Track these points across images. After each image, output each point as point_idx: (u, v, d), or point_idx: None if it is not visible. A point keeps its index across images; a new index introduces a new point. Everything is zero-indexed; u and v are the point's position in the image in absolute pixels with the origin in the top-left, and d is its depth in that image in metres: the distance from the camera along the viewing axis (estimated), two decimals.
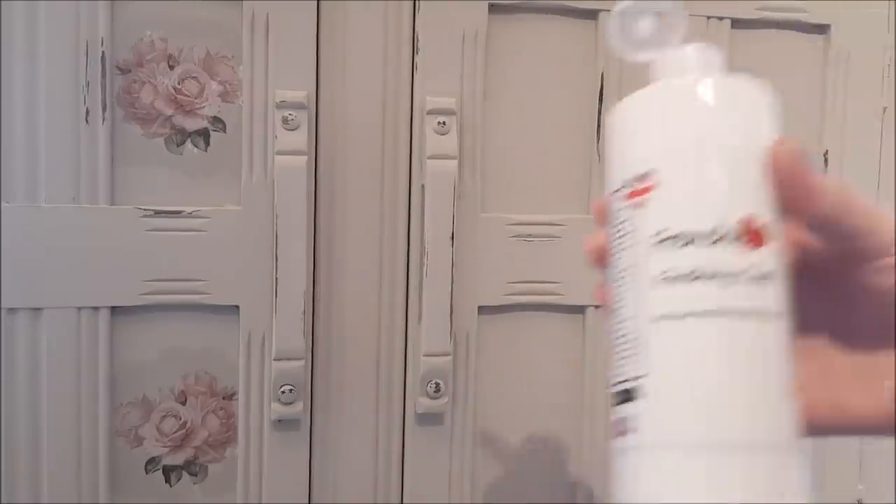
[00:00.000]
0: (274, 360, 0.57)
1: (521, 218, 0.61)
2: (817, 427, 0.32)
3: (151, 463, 0.58)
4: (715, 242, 0.28)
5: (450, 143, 0.58)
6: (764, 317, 0.28)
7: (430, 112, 0.58)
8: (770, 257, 0.28)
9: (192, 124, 0.57)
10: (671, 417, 0.27)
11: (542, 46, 0.61)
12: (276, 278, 0.56)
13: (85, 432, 0.56)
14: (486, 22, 0.59)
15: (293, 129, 0.56)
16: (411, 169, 0.59)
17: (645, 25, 0.32)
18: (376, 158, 0.59)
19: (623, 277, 0.30)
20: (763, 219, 0.28)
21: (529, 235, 0.61)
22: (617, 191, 0.31)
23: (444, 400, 0.60)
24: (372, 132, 0.59)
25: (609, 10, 0.61)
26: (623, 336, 0.29)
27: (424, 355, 0.59)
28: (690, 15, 0.63)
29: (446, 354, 0.59)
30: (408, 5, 0.58)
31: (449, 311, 0.59)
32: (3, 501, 0.55)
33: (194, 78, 0.56)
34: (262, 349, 0.58)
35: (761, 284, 0.28)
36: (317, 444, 0.59)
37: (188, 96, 0.56)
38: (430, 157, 0.58)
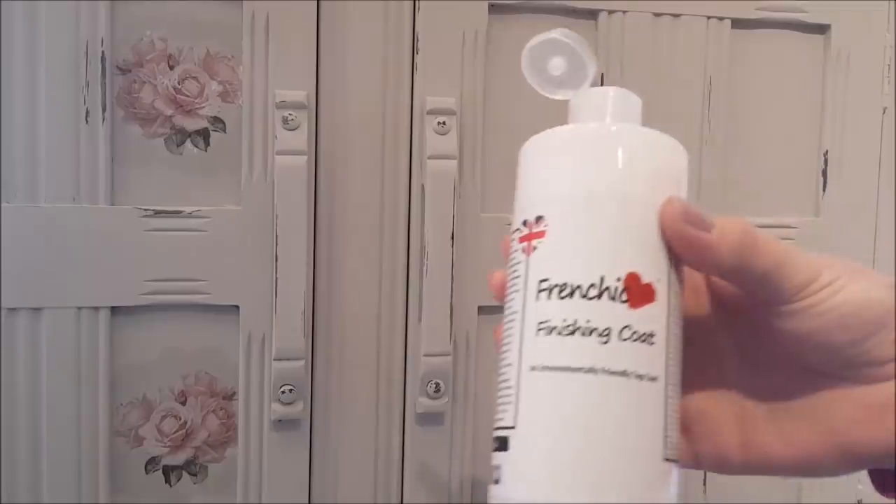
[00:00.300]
0: (274, 360, 0.57)
1: None
2: (732, 467, 0.32)
3: (151, 463, 0.58)
4: (595, 297, 0.27)
5: (450, 143, 0.58)
6: (639, 378, 0.27)
7: (430, 112, 0.58)
8: (654, 316, 0.27)
9: (192, 124, 0.57)
10: (527, 476, 0.27)
11: None
12: (276, 278, 0.56)
13: (85, 432, 0.56)
14: (486, 22, 0.59)
15: (293, 129, 0.56)
16: (411, 169, 0.59)
17: (554, 64, 0.31)
18: (376, 158, 0.59)
19: (512, 321, 0.29)
20: (650, 277, 0.27)
21: None
22: (515, 230, 0.30)
23: (444, 400, 0.60)
24: (372, 132, 0.59)
25: (609, 11, 0.61)
26: (505, 381, 0.28)
27: (424, 355, 0.59)
28: (691, 15, 0.63)
29: (446, 354, 0.59)
30: (408, 5, 0.58)
31: (449, 311, 0.59)
32: (3, 501, 0.55)
33: (194, 78, 0.56)
34: (262, 349, 0.58)
35: (640, 344, 0.27)
36: (317, 444, 0.59)
37: (188, 96, 0.56)
38: (430, 157, 0.58)
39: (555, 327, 0.27)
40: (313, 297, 0.58)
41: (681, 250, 0.28)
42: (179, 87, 0.56)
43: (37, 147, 0.54)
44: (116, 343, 0.56)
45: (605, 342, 0.27)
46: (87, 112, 0.54)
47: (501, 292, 0.31)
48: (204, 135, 0.57)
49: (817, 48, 0.67)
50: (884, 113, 0.68)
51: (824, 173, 0.67)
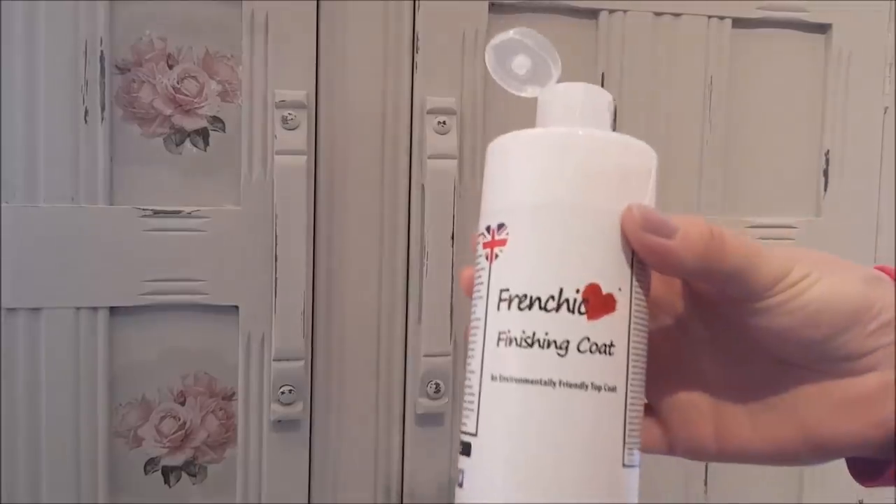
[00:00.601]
0: (273, 360, 0.56)
1: None
2: (707, 455, 0.32)
3: (151, 463, 0.58)
4: (553, 310, 0.27)
5: (450, 142, 0.58)
6: (597, 390, 0.27)
7: (430, 112, 0.58)
8: (614, 327, 0.27)
9: (191, 124, 0.57)
10: (486, 482, 0.27)
11: None
12: (276, 278, 0.56)
13: (84, 433, 0.55)
14: (486, 22, 0.59)
15: (293, 129, 0.56)
16: (411, 169, 0.59)
17: (518, 63, 0.31)
18: (376, 158, 0.59)
19: (476, 328, 0.29)
20: (610, 287, 0.27)
21: None
22: (480, 234, 0.30)
23: (444, 400, 0.60)
24: (372, 132, 0.58)
25: (610, 10, 0.61)
26: (469, 388, 0.29)
27: (424, 355, 0.59)
28: (691, 14, 0.63)
29: (446, 354, 0.59)
30: (408, 5, 0.58)
31: (449, 312, 0.59)
32: (2, 502, 0.54)
33: (193, 77, 0.56)
34: (262, 349, 0.58)
35: (600, 356, 0.27)
36: (317, 445, 0.59)
37: (187, 96, 0.56)
38: (430, 157, 0.58)
39: (514, 338, 0.27)
40: (313, 297, 0.58)
41: (644, 258, 0.28)
42: (179, 86, 0.56)
43: (36, 147, 0.54)
44: (115, 343, 0.56)
45: (563, 355, 0.27)
46: (86, 112, 0.54)
47: (469, 291, 0.31)
48: (203, 134, 0.57)
49: (818, 48, 0.67)
50: (885, 112, 0.68)
51: (825, 173, 0.67)
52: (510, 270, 0.28)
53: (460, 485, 0.28)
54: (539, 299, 0.27)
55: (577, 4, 0.60)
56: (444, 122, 0.58)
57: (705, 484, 0.66)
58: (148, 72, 0.56)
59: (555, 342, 0.27)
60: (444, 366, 0.59)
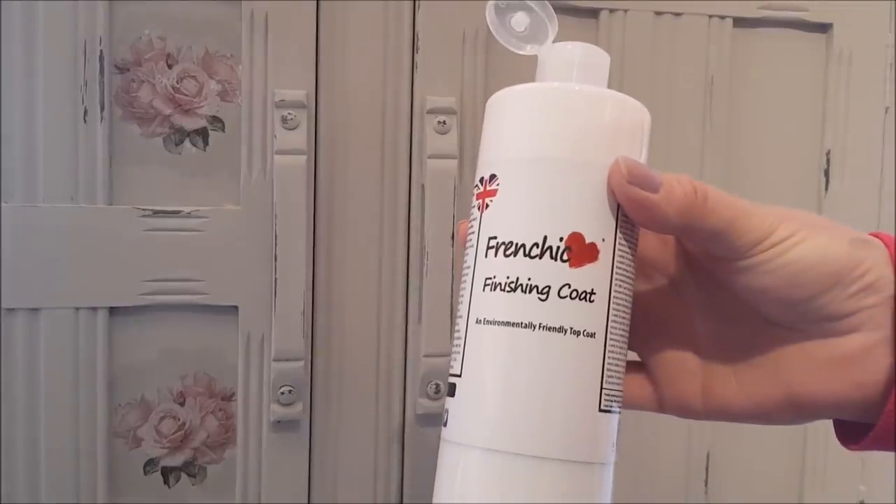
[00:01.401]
0: (273, 360, 0.56)
1: None
2: (694, 413, 0.33)
3: (150, 464, 0.58)
4: (537, 256, 0.28)
5: (450, 142, 0.58)
6: (575, 334, 0.28)
7: (430, 112, 0.58)
8: (594, 275, 0.28)
9: (190, 123, 0.56)
10: (466, 421, 0.29)
11: None
12: (276, 278, 0.56)
13: (83, 433, 0.55)
14: (486, 22, 0.59)
15: (292, 129, 0.56)
16: (411, 169, 0.59)
17: (517, 20, 0.32)
18: (376, 158, 0.59)
19: (466, 275, 0.30)
20: (593, 237, 0.28)
21: None
22: (475, 186, 0.31)
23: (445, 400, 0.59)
24: (372, 132, 0.58)
25: (610, 9, 0.61)
26: (457, 332, 0.30)
27: (424, 356, 0.59)
28: (692, 14, 0.63)
29: (446, 354, 0.59)
30: (408, 5, 0.58)
31: (449, 312, 0.59)
32: (2, 502, 0.54)
33: (193, 77, 0.56)
34: (262, 350, 0.57)
35: (580, 302, 0.28)
36: (316, 445, 0.59)
37: (187, 95, 0.56)
38: (430, 157, 0.58)
39: (499, 283, 0.29)
40: (313, 297, 0.58)
41: (629, 211, 0.29)
42: (178, 86, 0.56)
43: (35, 147, 0.53)
44: (115, 343, 0.56)
45: (544, 299, 0.28)
46: (86, 111, 0.54)
47: (464, 242, 0.32)
48: (203, 134, 0.57)
49: (819, 47, 0.67)
50: (886, 112, 0.68)
51: (826, 173, 0.67)
52: (498, 219, 0.29)
53: (444, 423, 0.30)
54: (524, 246, 0.28)
55: (578, 4, 0.60)
56: (444, 122, 0.58)
57: (705, 484, 0.66)
58: (147, 71, 0.55)
59: (537, 287, 0.28)
60: (444, 366, 0.59)
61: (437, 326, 0.59)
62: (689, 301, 0.33)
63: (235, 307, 0.57)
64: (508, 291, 0.28)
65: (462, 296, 0.30)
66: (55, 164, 0.54)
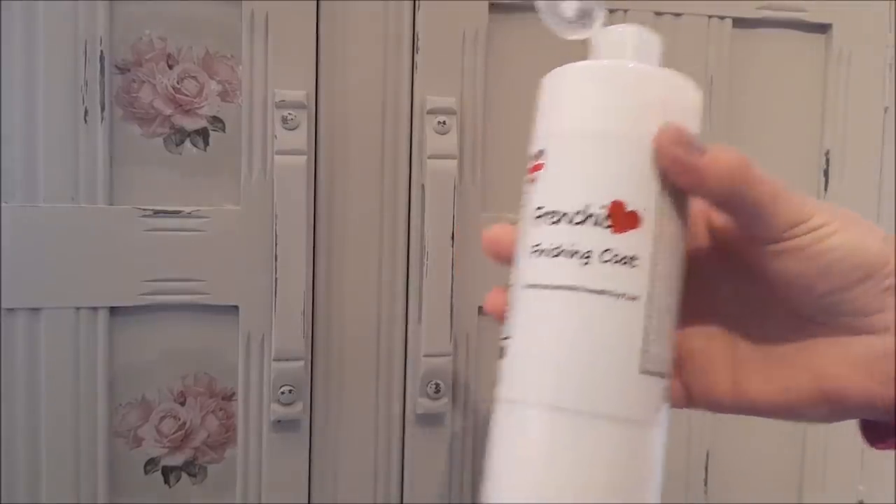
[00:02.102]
0: (273, 360, 0.56)
1: None
2: (722, 407, 0.33)
3: (150, 464, 0.58)
4: (580, 223, 0.29)
5: (450, 142, 0.58)
6: (617, 298, 0.29)
7: (430, 112, 0.58)
8: (637, 242, 0.29)
9: (191, 124, 0.56)
10: (514, 379, 0.30)
11: (542, 46, 0.61)
12: (276, 278, 0.56)
13: (84, 433, 0.55)
14: (486, 22, 0.59)
15: (293, 129, 0.56)
16: (411, 169, 0.59)
17: (566, 6, 0.33)
18: (376, 158, 0.59)
19: (518, 245, 0.32)
20: (635, 205, 0.29)
21: None
22: (529, 164, 0.33)
23: (444, 400, 0.60)
24: (372, 132, 0.58)
25: (610, 10, 0.61)
26: (511, 298, 0.32)
27: (424, 356, 0.59)
28: (692, 14, 0.63)
29: (446, 355, 0.59)
30: (408, 5, 0.58)
31: (449, 312, 0.59)
32: (2, 502, 0.54)
33: (193, 77, 0.56)
34: (262, 349, 0.57)
35: (621, 266, 0.29)
36: (317, 445, 0.59)
37: (187, 96, 0.56)
38: (430, 157, 0.58)
39: (544, 250, 0.30)
40: (313, 297, 0.58)
41: (673, 174, 0.29)
42: (178, 86, 0.56)
43: (35, 147, 0.53)
44: (115, 343, 0.56)
45: (586, 263, 0.29)
46: (86, 111, 0.54)
47: (497, 258, 0.33)
48: (203, 134, 0.57)
49: (818, 48, 0.67)
50: (885, 112, 0.68)
51: (826, 173, 0.67)
52: (545, 190, 0.31)
53: (498, 383, 0.31)
54: (567, 214, 0.30)
55: None
56: (444, 122, 0.58)
57: (705, 484, 0.66)
58: (148, 72, 0.56)
59: (579, 252, 0.29)
60: (444, 366, 0.59)
61: (437, 326, 0.59)
62: (718, 291, 0.33)
63: (236, 307, 0.57)
64: (553, 256, 0.30)
65: (515, 264, 0.32)
66: (55, 165, 0.54)
